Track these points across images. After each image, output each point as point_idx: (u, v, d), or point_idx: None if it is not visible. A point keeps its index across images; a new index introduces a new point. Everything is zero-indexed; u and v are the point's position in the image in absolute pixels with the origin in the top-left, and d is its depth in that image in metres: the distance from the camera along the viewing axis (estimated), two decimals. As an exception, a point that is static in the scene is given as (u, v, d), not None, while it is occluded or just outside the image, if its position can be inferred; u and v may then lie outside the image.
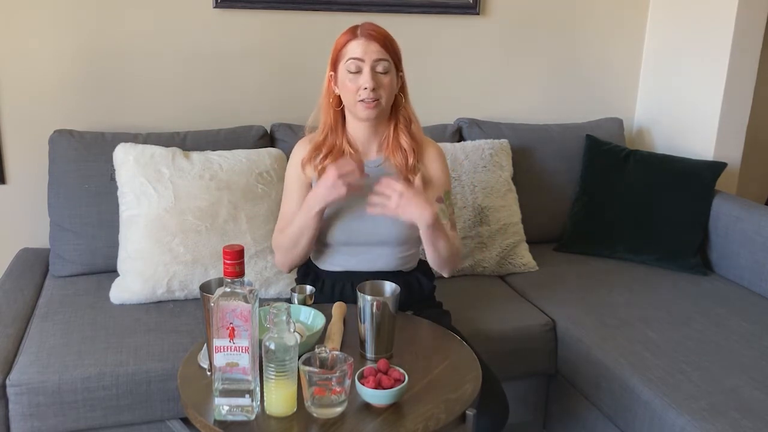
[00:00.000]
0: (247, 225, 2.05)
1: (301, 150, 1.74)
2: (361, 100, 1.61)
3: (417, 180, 1.68)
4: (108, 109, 2.33)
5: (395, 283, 1.50)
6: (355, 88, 1.61)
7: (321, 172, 1.68)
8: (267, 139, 2.36)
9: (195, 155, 2.11)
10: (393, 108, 1.70)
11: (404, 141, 1.70)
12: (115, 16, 2.27)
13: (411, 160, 1.70)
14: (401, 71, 1.68)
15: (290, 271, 1.81)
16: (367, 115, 1.64)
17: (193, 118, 2.39)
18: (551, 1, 2.71)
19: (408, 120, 1.72)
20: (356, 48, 1.61)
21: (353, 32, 1.63)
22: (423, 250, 1.80)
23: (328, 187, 1.59)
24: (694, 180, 2.45)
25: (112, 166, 2.08)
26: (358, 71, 1.61)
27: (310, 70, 2.45)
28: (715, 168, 2.47)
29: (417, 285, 1.77)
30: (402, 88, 1.70)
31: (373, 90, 1.60)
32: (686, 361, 1.79)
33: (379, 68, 1.61)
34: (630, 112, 2.94)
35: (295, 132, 2.35)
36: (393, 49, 1.64)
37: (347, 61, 1.61)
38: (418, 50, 2.57)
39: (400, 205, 1.55)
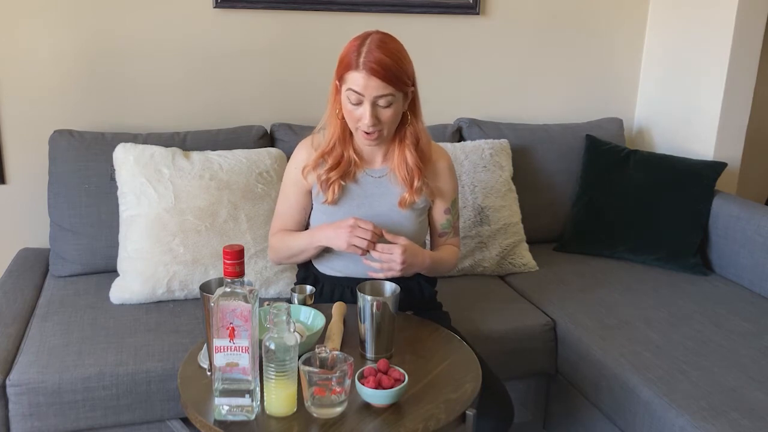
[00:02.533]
0: (247, 225, 2.05)
1: (303, 152, 1.71)
2: (363, 131, 1.58)
3: (402, 240, 1.60)
4: (108, 109, 2.33)
5: None
6: (356, 118, 1.57)
7: (323, 183, 1.66)
8: (267, 139, 2.36)
9: (195, 155, 2.11)
10: (399, 124, 1.64)
11: (409, 158, 1.65)
12: (116, 16, 2.27)
13: (417, 183, 1.65)
14: (413, 87, 1.61)
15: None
16: (367, 145, 1.63)
17: (193, 118, 2.39)
18: (551, 2, 2.71)
19: (415, 137, 1.65)
20: (357, 80, 1.51)
21: (356, 58, 1.51)
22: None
23: (337, 235, 1.59)
24: (694, 180, 2.45)
25: (112, 166, 2.08)
26: (359, 103, 1.55)
27: (310, 70, 2.46)
28: (715, 168, 2.47)
29: (418, 289, 1.75)
30: (412, 105, 1.63)
31: (373, 125, 1.55)
32: (686, 361, 1.79)
33: (381, 102, 1.54)
34: (630, 112, 2.94)
35: (295, 132, 2.35)
36: (397, 79, 1.53)
37: (347, 89, 1.54)
38: (418, 50, 2.53)
39: (403, 270, 1.58)
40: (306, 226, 1.76)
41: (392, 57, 1.52)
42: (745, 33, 2.48)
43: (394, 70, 1.52)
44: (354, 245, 1.56)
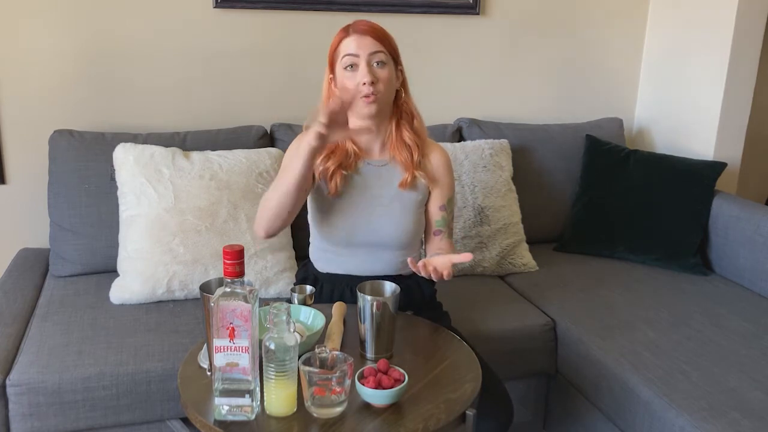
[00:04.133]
0: (247, 225, 2.05)
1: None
2: (362, 96, 1.59)
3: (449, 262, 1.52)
4: (108, 109, 2.33)
5: None
6: (354, 86, 1.59)
7: (323, 174, 1.66)
8: (267, 139, 2.36)
9: (195, 155, 2.11)
10: (394, 104, 1.68)
11: (407, 137, 1.68)
12: (115, 16, 2.27)
13: (416, 156, 1.68)
14: (400, 65, 1.67)
15: (266, 236, 1.65)
16: (369, 111, 1.62)
17: (193, 118, 2.39)
18: (551, 1, 2.71)
19: (410, 115, 1.70)
20: (350, 44, 1.59)
21: (345, 30, 1.62)
22: (424, 251, 1.80)
23: (302, 142, 1.50)
24: (694, 180, 2.45)
25: (112, 166, 2.08)
26: (355, 67, 1.59)
27: (310, 70, 2.46)
28: (715, 168, 2.47)
29: (417, 289, 1.76)
30: (403, 84, 1.69)
31: (372, 84, 1.58)
32: (686, 361, 1.79)
33: (376, 61, 1.59)
34: (630, 112, 2.94)
35: (295, 132, 2.35)
36: (388, 41, 1.62)
37: (343, 58, 1.60)
38: (418, 50, 2.57)
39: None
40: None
41: (379, 26, 1.64)
42: (745, 33, 2.48)
43: (383, 32, 1.63)
44: (314, 133, 1.46)
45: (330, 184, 1.66)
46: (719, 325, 1.99)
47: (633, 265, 2.43)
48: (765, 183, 3.46)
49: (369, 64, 1.59)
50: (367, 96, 1.59)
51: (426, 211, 1.76)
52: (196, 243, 2.00)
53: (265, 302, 1.47)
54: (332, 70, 1.65)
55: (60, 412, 1.66)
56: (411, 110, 1.70)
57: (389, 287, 1.48)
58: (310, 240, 1.80)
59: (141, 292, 1.97)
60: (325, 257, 1.75)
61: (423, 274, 1.52)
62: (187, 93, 2.40)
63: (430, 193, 1.74)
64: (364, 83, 1.58)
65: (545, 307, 2.11)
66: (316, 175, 1.68)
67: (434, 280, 1.54)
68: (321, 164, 1.66)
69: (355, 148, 1.68)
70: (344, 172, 1.67)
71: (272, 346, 1.19)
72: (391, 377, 1.28)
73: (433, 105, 2.57)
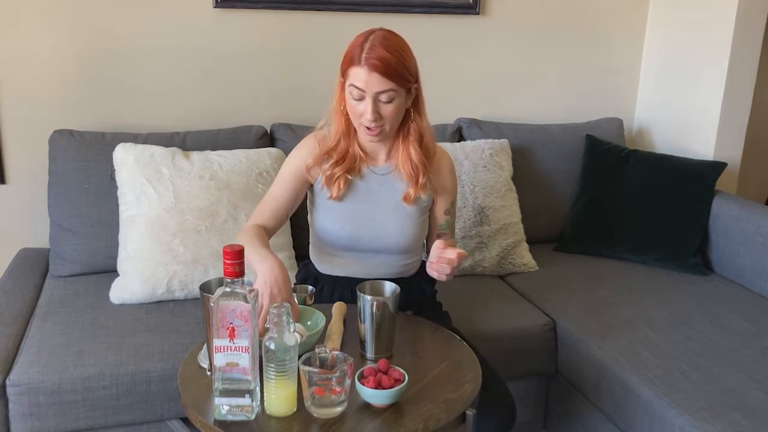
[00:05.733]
0: (247, 225, 2.05)
1: (309, 146, 1.69)
2: (365, 126, 1.57)
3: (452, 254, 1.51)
4: (108, 109, 2.33)
5: None
6: (358, 113, 1.56)
7: (329, 179, 1.65)
8: (267, 139, 2.36)
9: (195, 155, 2.11)
10: (403, 120, 1.64)
11: (414, 154, 1.64)
12: (115, 16, 2.27)
13: (422, 180, 1.65)
14: (416, 84, 1.60)
15: None
16: (370, 140, 1.62)
17: (193, 118, 2.39)
18: (551, 2, 2.71)
19: (419, 134, 1.65)
20: (359, 76, 1.51)
21: (359, 54, 1.51)
22: (426, 253, 1.80)
23: (261, 281, 1.47)
24: (694, 180, 2.45)
25: (112, 166, 2.08)
26: (361, 99, 1.54)
27: (310, 70, 2.46)
28: (715, 168, 2.47)
29: (418, 289, 1.76)
30: (415, 101, 1.63)
31: (375, 120, 1.55)
32: (686, 361, 1.79)
33: (383, 98, 1.54)
34: (630, 112, 2.94)
35: (295, 132, 2.35)
36: (399, 75, 1.52)
37: (350, 85, 1.54)
38: (418, 50, 2.53)
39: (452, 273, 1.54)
40: (283, 219, 1.71)
41: (394, 53, 1.52)
42: (745, 33, 2.48)
43: (396, 66, 1.52)
44: (264, 299, 1.44)
45: (333, 188, 1.65)
46: (719, 325, 1.99)
47: (633, 265, 2.43)
48: (765, 183, 3.46)
49: (375, 101, 1.53)
50: (370, 128, 1.57)
51: (430, 215, 1.76)
52: (196, 243, 2.00)
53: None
54: (343, 75, 1.59)
55: (60, 412, 1.66)
56: (420, 130, 1.65)
57: (389, 287, 1.48)
58: (310, 241, 1.80)
59: (141, 292, 1.97)
60: (325, 259, 1.75)
61: (439, 269, 1.52)
62: (187, 93, 2.40)
63: (434, 200, 1.73)
64: (367, 118, 1.55)
65: (545, 307, 2.11)
66: (322, 181, 1.67)
67: (446, 264, 1.51)
68: (329, 169, 1.65)
69: (361, 153, 1.67)
70: (348, 176, 1.66)
71: (272, 346, 1.19)
72: (391, 377, 1.28)
73: (433, 105, 2.55)
